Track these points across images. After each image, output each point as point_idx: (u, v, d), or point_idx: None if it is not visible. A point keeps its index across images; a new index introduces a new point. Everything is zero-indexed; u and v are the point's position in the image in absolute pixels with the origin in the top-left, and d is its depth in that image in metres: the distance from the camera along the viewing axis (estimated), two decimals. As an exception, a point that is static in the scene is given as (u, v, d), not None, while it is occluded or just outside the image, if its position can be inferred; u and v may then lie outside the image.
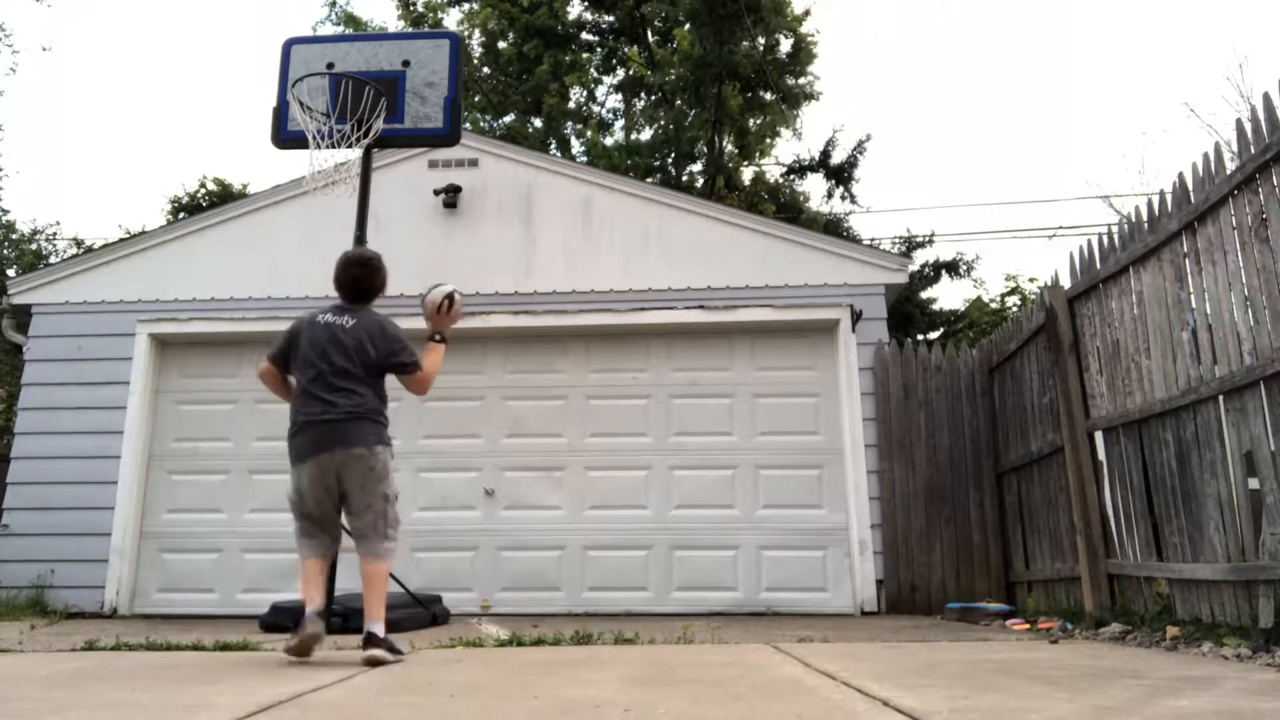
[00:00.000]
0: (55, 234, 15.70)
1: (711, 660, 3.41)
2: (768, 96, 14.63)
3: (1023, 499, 6.15)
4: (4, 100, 27.43)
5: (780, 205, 14.77)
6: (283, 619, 4.66)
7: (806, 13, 14.68)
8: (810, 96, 14.76)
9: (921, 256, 14.20)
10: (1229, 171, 3.79)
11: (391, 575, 5.62)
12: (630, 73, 15.96)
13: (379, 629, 3.47)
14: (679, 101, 14.81)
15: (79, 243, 15.71)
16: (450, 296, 3.97)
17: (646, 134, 15.98)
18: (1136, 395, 4.55)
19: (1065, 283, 5.39)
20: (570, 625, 4.89)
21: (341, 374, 3.57)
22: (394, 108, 5.96)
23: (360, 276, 3.79)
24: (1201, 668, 3.10)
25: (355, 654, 3.70)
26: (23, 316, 7.35)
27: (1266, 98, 3.57)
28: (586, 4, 16.29)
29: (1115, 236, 4.86)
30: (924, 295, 14.44)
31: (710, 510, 6.82)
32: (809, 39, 14.59)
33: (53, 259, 14.35)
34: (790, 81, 14.61)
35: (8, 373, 11.44)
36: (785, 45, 14.68)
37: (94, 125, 35.10)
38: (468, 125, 13.80)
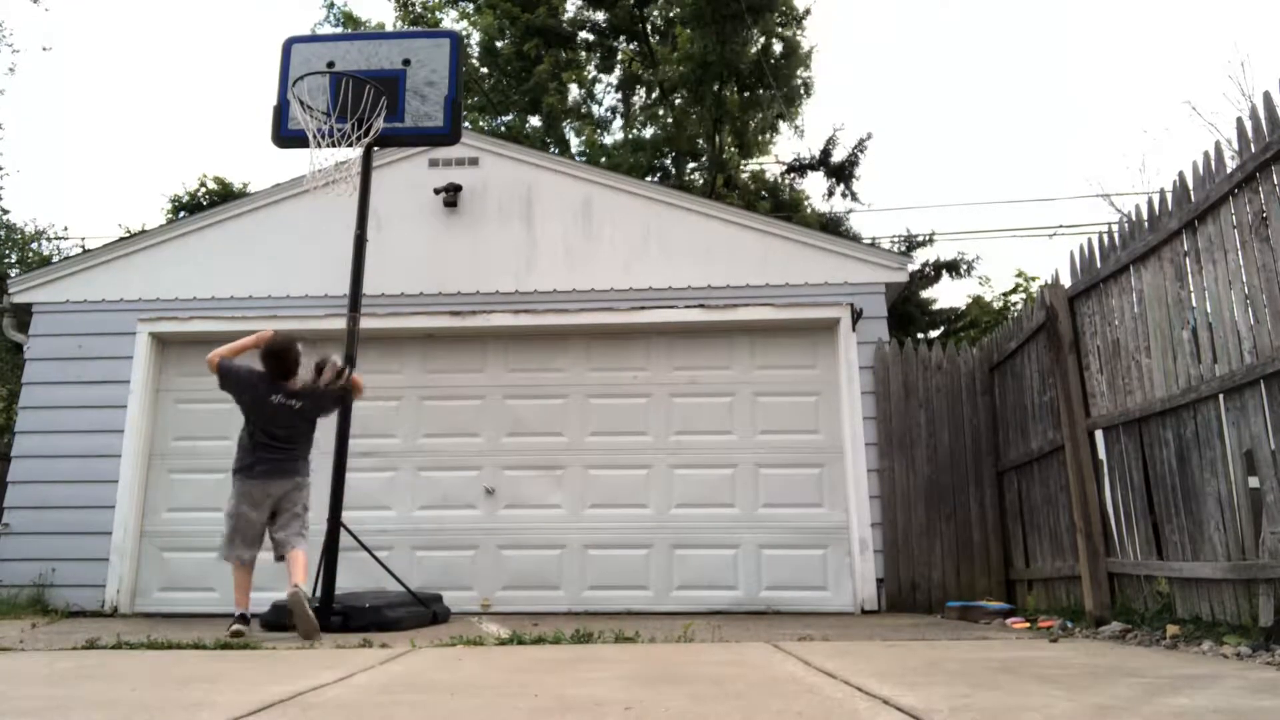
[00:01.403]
0: (61, 236, 15.70)
1: (712, 659, 3.41)
2: (768, 95, 14.62)
3: (1023, 497, 6.15)
4: (4, 100, 27.42)
5: (779, 204, 14.76)
6: (284, 617, 4.67)
7: (807, 11, 14.70)
8: (808, 95, 14.77)
9: (922, 256, 14.18)
10: (1229, 170, 3.79)
11: (392, 574, 5.69)
12: (630, 69, 15.96)
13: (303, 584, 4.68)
14: (678, 100, 14.80)
15: (85, 247, 15.71)
16: (338, 372, 5.02)
17: (647, 132, 15.97)
18: (1137, 394, 4.56)
19: (1065, 281, 5.39)
20: (571, 624, 4.89)
21: (291, 440, 4.95)
22: (394, 106, 5.97)
23: (285, 367, 4.90)
24: (1201, 666, 3.10)
25: (357, 652, 3.71)
26: (23, 315, 7.35)
27: (1267, 96, 3.57)
28: (583, 1, 16.29)
29: (1116, 235, 4.85)
30: (924, 295, 14.43)
31: (711, 509, 6.82)
32: (805, 38, 14.61)
33: (55, 261, 14.33)
34: (789, 80, 14.61)
35: (8, 371, 11.45)
36: (785, 43, 14.68)
37: (94, 125, 35.12)
38: (467, 124, 13.79)
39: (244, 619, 4.65)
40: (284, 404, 4.87)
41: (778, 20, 14.29)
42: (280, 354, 4.88)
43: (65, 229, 20.78)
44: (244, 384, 4.91)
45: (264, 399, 4.85)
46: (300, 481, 4.93)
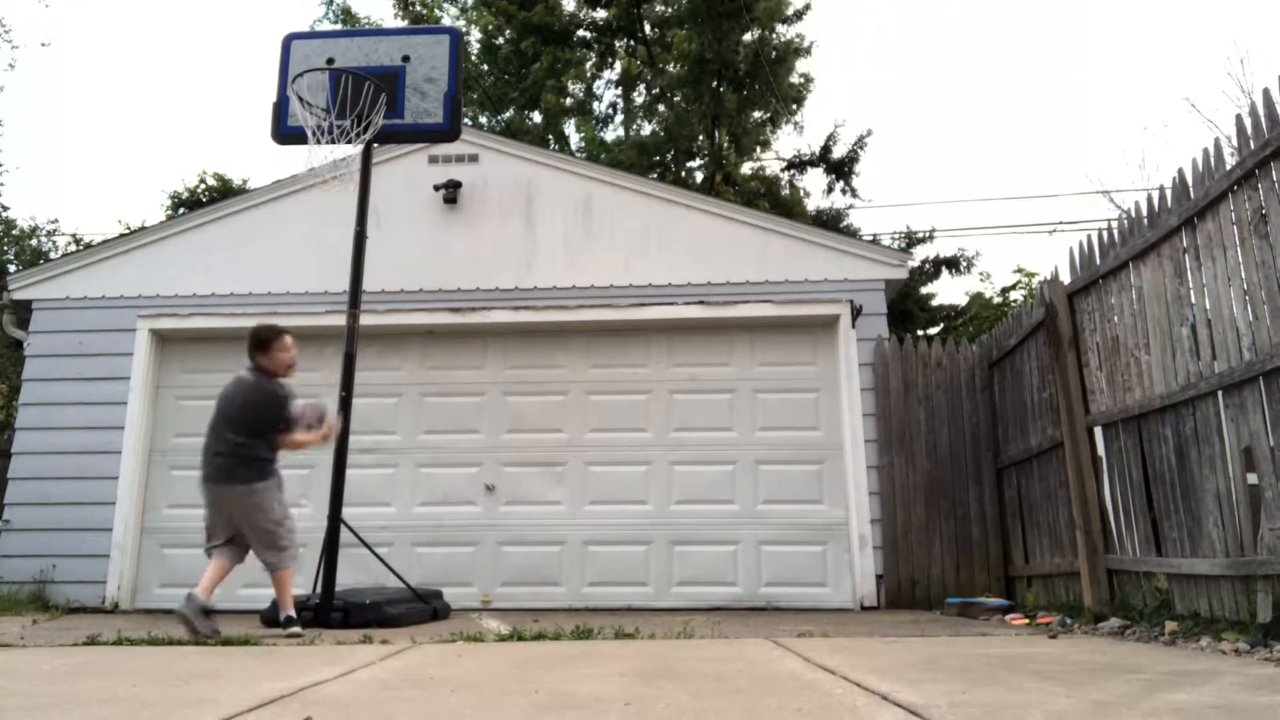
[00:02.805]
0: (54, 230, 15.67)
1: (711, 655, 3.42)
2: (766, 92, 14.60)
3: (1022, 494, 6.16)
4: (4, 96, 27.35)
5: (778, 201, 14.73)
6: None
7: (807, 7, 14.68)
8: (806, 93, 14.76)
9: (921, 252, 14.16)
10: (1229, 167, 3.79)
11: (392, 570, 5.70)
12: (628, 67, 15.93)
13: (292, 613, 4.62)
14: (676, 98, 14.78)
15: (77, 240, 15.69)
16: (319, 416, 4.79)
17: (646, 129, 15.95)
18: (1136, 391, 4.56)
19: (1065, 278, 5.39)
20: (570, 620, 4.90)
21: (216, 433, 4.56)
22: (394, 103, 5.97)
23: (257, 343, 4.67)
24: (1200, 662, 3.10)
25: (357, 649, 3.72)
26: (23, 312, 7.35)
27: (1266, 93, 3.57)
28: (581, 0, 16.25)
29: (1115, 232, 4.85)
30: (924, 291, 14.42)
31: (710, 505, 6.83)
32: (804, 35, 14.61)
33: (52, 255, 14.34)
34: (786, 77, 14.59)
35: (9, 367, 11.44)
36: (783, 42, 14.65)
37: (94, 120, 35.08)
38: (467, 121, 13.78)
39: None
40: (243, 379, 4.66)
41: (774, 19, 14.26)
42: (258, 334, 4.68)
43: (55, 221, 20.43)
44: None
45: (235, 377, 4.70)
46: (245, 490, 4.48)
